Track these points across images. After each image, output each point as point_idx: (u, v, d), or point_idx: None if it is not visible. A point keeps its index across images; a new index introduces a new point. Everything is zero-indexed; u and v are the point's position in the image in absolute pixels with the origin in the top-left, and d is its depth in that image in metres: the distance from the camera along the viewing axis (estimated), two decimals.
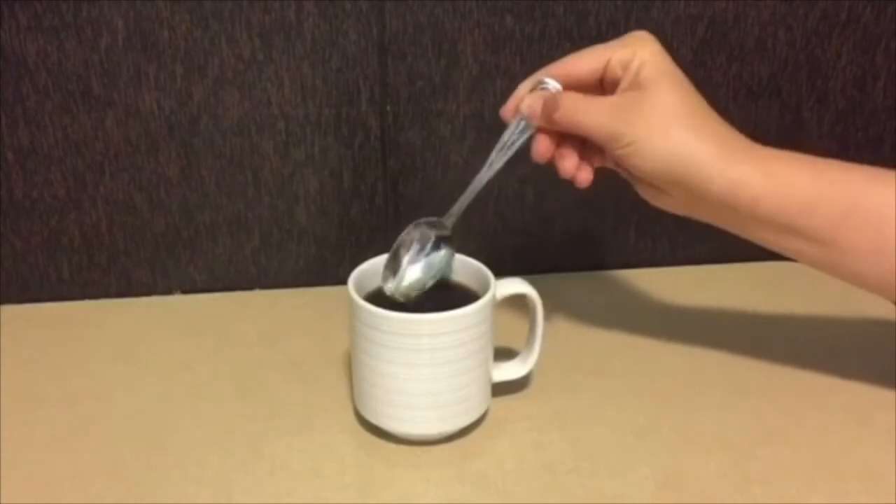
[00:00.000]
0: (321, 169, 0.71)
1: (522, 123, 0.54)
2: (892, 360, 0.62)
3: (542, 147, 0.54)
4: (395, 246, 0.56)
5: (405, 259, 0.57)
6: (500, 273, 0.56)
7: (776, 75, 0.72)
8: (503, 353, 0.58)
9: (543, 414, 0.58)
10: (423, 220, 0.56)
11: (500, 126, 0.71)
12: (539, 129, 0.54)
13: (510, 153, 0.55)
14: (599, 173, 0.75)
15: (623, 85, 0.52)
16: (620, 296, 0.73)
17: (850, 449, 0.54)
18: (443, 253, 0.56)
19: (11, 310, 0.72)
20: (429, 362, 0.52)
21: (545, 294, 0.57)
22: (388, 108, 0.70)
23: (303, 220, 0.73)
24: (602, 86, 0.54)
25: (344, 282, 0.54)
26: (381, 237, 0.74)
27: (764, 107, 0.73)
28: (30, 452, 0.54)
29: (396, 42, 0.68)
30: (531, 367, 0.58)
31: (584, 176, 0.55)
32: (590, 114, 0.52)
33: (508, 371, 0.58)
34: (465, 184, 0.55)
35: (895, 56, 0.72)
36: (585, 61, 0.53)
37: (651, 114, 0.50)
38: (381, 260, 0.58)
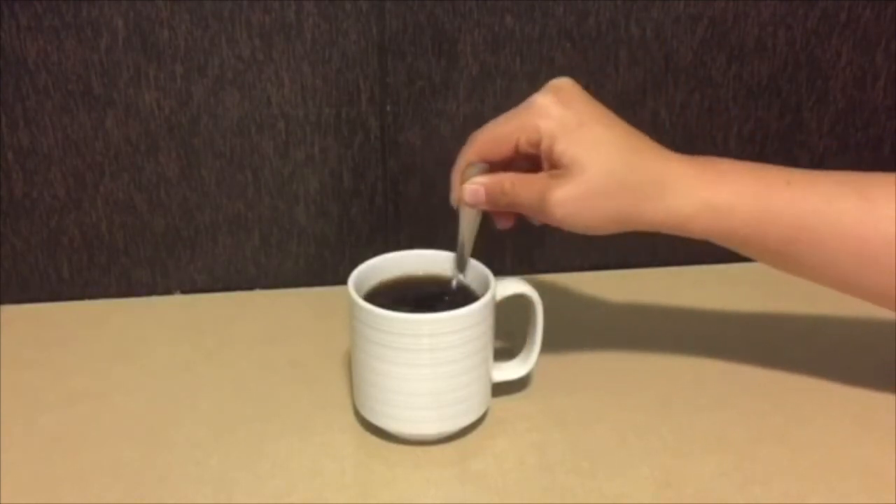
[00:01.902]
0: (321, 169, 0.71)
1: (471, 210, 0.55)
2: (892, 360, 0.62)
3: (503, 221, 0.56)
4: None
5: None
6: (500, 273, 0.56)
7: (776, 75, 0.72)
8: (503, 353, 0.58)
9: (543, 414, 0.58)
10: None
11: None
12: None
13: (473, 234, 0.56)
14: None
15: (545, 165, 0.52)
16: (620, 296, 0.73)
17: (850, 449, 0.54)
18: None
19: (11, 310, 0.72)
20: (429, 362, 0.52)
21: (545, 294, 0.57)
22: (388, 108, 0.70)
23: (303, 220, 0.73)
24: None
25: (344, 282, 0.54)
26: (381, 237, 0.74)
27: (764, 107, 0.73)
28: (30, 452, 0.54)
29: (396, 42, 0.67)
30: (531, 367, 0.58)
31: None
32: (524, 201, 0.52)
33: (508, 371, 0.58)
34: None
35: (895, 56, 0.72)
36: (497, 143, 0.53)
37: (576, 198, 0.50)
38: (381, 260, 0.58)
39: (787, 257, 0.53)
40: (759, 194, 0.51)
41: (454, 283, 0.57)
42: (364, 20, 0.66)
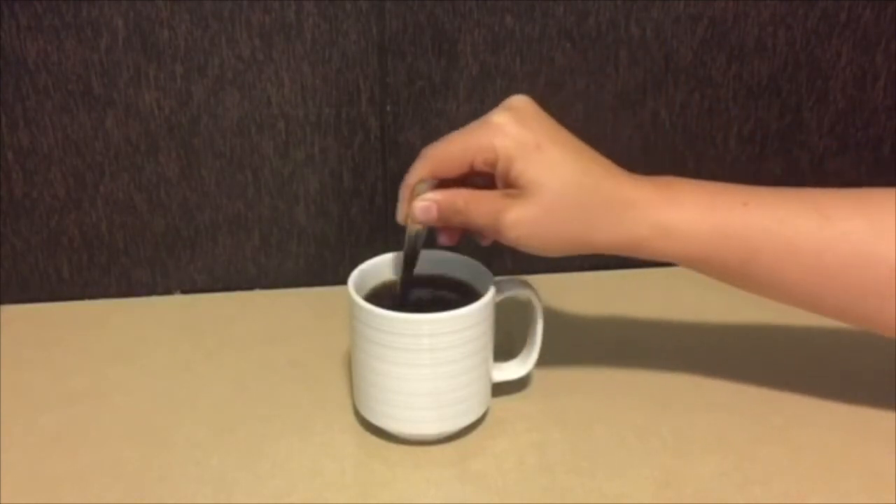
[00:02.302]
0: (321, 169, 0.71)
1: (417, 227, 0.54)
2: (892, 360, 0.62)
3: (447, 238, 0.55)
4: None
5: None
6: (500, 273, 0.56)
7: (776, 75, 0.72)
8: (503, 353, 0.58)
9: (543, 414, 0.58)
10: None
11: None
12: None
13: (418, 251, 0.55)
14: None
15: (499, 184, 0.51)
16: (620, 296, 0.73)
17: (850, 449, 0.54)
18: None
19: (11, 310, 0.72)
20: (429, 362, 0.52)
21: (545, 294, 0.57)
22: (388, 108, 0.70)
23: (303, 220, 0.73)
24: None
25: (344, 282, 0.54)
26: (381, 237, 0.74)
27: (764, 107, 0.73)
28: (30, 452, 0.54)
29: (396, 42, 0.68)
30: (531, 367, 0.58)
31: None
32: (477, 219, 0.51)
33: (508, 371, 0.58)
34: None
35: (895, 56, 0.72)
36: (450, 162, 0.52)
37: (530, 221, 0.50)
38: (382, 260, 0.58)
39: (747, 277, 0.52)
40: (713, 215, 0.51)
41: (398, 290, 0.56)
42: (364, 20, 0.66)
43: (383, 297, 0.55)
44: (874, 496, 0.50)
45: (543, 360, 0.58)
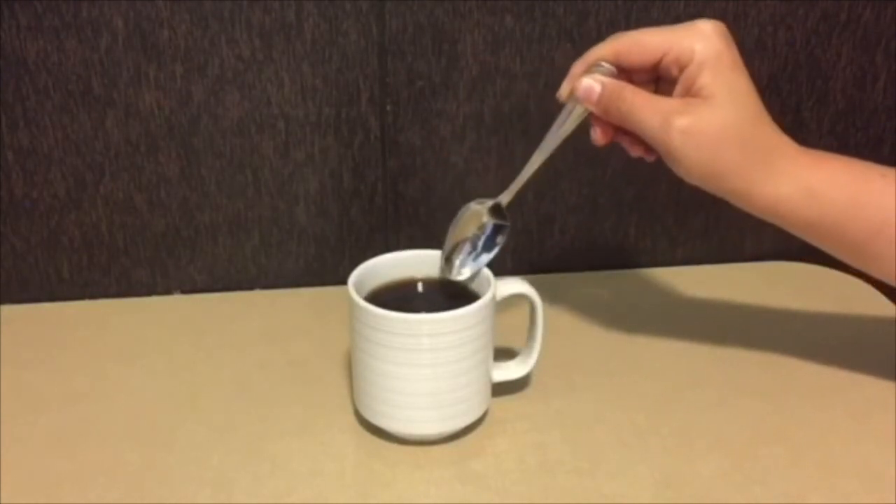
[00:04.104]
0: (321, 169, 0.71)
1: (578, 107, 0.53)
2: (892, 359, 0.62)
3: (601, 135, 0.54)
4: (452, 226, 0.57)
5: (463, 252, 0.57)
6: (500, 273, 0.56)
7: (776, 75, 0.72)
8: (503, 353, 0.58)
9: (543, 414, 0.58)
10: (479, 202, 0.57)
11: (500, 125, 0.71)
12: (594, 116, 0.53)
13: (563, 136, 0.54)
14: (599, 174, 0.75)
15: (678, 89, 0.51)
16: (620, 296, 0.73)
17: (850, 448, 0.54)
18: (497, 248, 0.57)
19: (11, 310, 0.72)
20: (429, 362, 0.52)
21: (545, 294, 0.57)
22: (388, 108, 0.70)
23: (303, 220, 0.73)
24: (656, 72, 0.53)
25: (344, 282, 0.54)
26: (381, 237, 0.74)
27: (764, 107, 0.73)
28: (30, 452, 0.54)
29: (396, 42, 0.68)
30: (531, 367, 0.58)
31: (647, 156, 0.55)
32: (644, 117, 0.50)
33: (508, 371, 0.58)
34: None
35: (895, 56, 0.72)
36: (642, 49, 0.51)
37: (701, 132, 0.50)
38: (381, 260, 0.58)
39: (867, 254, 0.52)
40: (854, 182, 0.51)
41: (499, 204, 0.56)
42: (364, 20, 0.66)
43: (383, 297, 0.55)
44: (874, 496, 0.50)
45: (543, 360, 0.58)
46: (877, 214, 0.51)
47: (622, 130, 0.54)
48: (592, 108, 0.52)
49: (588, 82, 0.52)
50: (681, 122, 0.49)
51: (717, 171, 0.51)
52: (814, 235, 0.53)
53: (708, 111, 0.49)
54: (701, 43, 0.50)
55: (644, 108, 0.50)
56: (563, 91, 0.54)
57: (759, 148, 0.51)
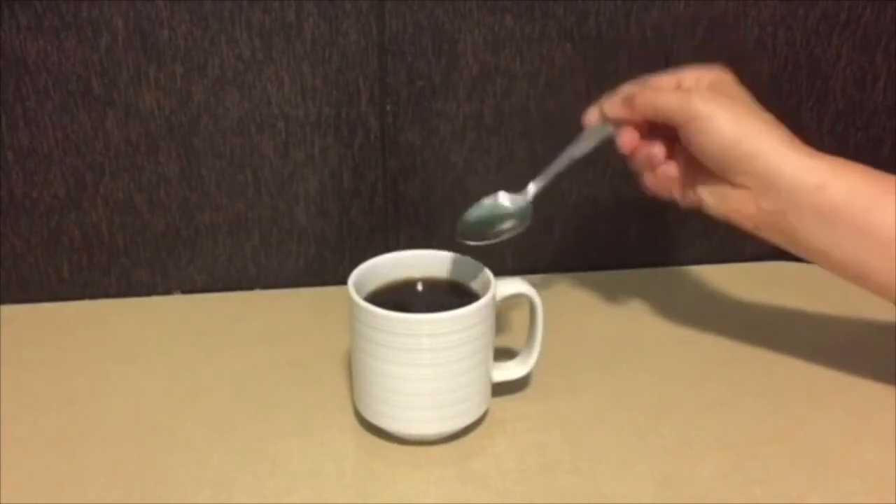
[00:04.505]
0: (321, 169, 0.71)
1: (604, 130, 0.56)
2: (892, 360, 0.62)
3: (628, 138, 0.56)
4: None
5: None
6: (500, 273, 0.56)
7: (776, 75, 0.72)
8: (503, 353, 0.58)
9: (543, 414, 0.58)
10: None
11: (500, 125, 0.71)
12: (621, 126, 0.56)
13: (586, 151, 0.57)
14: (599, 174, 0.75)
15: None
16: (621, 296, 0.73)
17: (850, 449, 0.54)
18: (522, 206, 0.58)
19: (11, 310, 0.72)
20: (429, 362, 0.52)
21: (545, 294, 0.57)
22: (388, 108, 0.70)
23: (303, 220, 0.73)
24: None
25: (344, 282, 0.54)
26: (381, 237, 0.74)
27: (764, 107, 0.73)
28: (30, 452, 0.54)
29: (396, 42, 0.67)
30: (531, 367, 0.58)
31: (670, 170, 0.56)
32: (668, 95, 0.54)
33: (508, 371, 0.58)
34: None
35: (895, 56, 0.72)
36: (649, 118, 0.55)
37: (724, 101, 0.53)
38: (381, 260, 0.58)
39: (889, 248, 0.51)
40: (880, 174, 0.52)
41: (529, 191, 0.57)
42: (364, 20, 0.66)
43: (383, 297, 0.55)
44: (874, 496, 0.50)
45: (543, 360, 0.58)
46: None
47: (647, 134, 0.56)
48: (619, 111, 0.55)
49: (610, 98, 0.56)
50: (702, 91, 0.54)
51: (743, 132, 0.52)
52: (836, 221, 0.52)
53: (725, 91, 0.54)
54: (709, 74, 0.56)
55: (668, 92, 0.55)
56: (591, 116, 0.57)
57: (779, 127, 0.53)
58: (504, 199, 0.58)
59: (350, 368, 0.58)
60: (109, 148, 0.68)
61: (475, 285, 0.56)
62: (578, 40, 0.69)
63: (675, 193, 0.57)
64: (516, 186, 0.58)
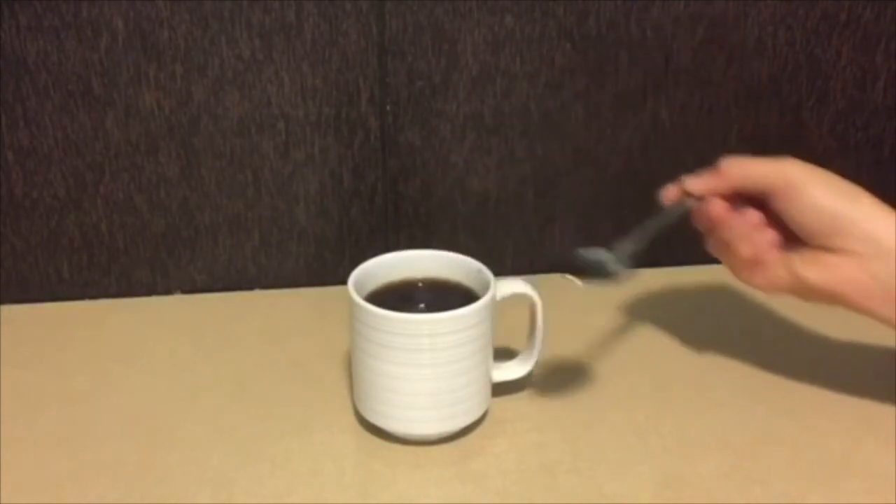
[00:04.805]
0: (321, 169, 0.71)
1: (682, 207, 0.56)
2: (893, 360, 0.62)
3: (718, 206, 0.55)
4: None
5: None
6: (500, 273, 0.56)
7: (776, 75, 0.72)
8: (503, 353, 0.58)
9: (543, 414, 0.58)
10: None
11: (500, 125, 0.71)
12: (705, 199, 0.55)
13: (664, 225, 0.57)
14: (599, 174, 0.75)
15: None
16: (620, 296, 0.73)
17: (850, 449, 0.54)
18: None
19: (11, 310, 0.72)
20: (429, 362, 0.52)
21: (545, 294, 0.57)
22: (388, 108, 0.70)
23: (303, 220, 0.73)
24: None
25: (344, 282, 0.54)
26: (381, 237, 0.74)
27: (764, 107, 0.73)
28: (30, 452, 0.54)
29: (396, 42, 0.67)
30: (531, 367, 0.58)
31: (768, 236, 0.55)
32: (760, 163, 0.54)
33: (508, 371, 0.58)
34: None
35: (895, 56, 0.72)
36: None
37: (815, 169, 0.53)
38: (381, 260, 0.58)
39: None
40: None
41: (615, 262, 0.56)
42: (364, 20, 0.66)
43: (383, 297, 0.55)
44: (874, 496, 0.50)
45: (543, 360, 0.58)
46: None
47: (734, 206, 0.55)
48: (705, 185, 0.55)
49: (694, 176, 0.56)
50: (792, 159, 0.53)
51: (843, 195, 0.52)
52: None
53: (808, 169, 0.53)
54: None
55: (757, 162, 0.55)
56: (671, 193, 0.57)
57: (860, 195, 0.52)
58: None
59: (350, 368, 0.58)
60: (109, 148, 0.68)
61: (475, 285, 0.56)
62: (578, 40, 0.69)
63: (767, 268, 0.55)
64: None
